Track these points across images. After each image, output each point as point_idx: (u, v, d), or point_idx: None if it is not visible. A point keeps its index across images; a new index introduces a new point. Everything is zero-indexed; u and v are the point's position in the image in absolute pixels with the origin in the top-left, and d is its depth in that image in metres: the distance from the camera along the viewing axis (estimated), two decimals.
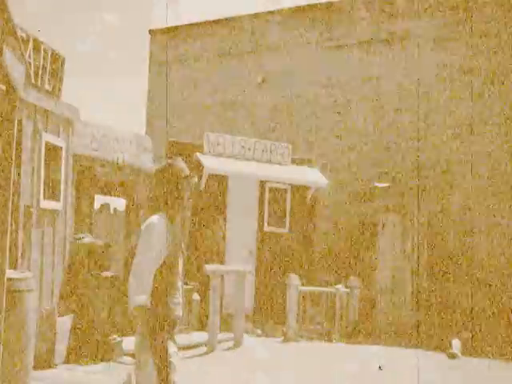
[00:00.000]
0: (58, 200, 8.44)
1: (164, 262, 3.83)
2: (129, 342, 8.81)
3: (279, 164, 14.23)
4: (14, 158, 4.96)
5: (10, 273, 5.83)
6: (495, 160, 14.63)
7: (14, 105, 4.97)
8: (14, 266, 7.06)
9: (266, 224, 13.79)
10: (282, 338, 11.78)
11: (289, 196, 14.16)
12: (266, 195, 13.86)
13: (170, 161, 4.04)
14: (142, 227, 3.90)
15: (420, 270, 13.92)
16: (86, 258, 8.72)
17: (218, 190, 13.21)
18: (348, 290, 12.59)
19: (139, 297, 3.67)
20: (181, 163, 4.01)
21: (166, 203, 3.96)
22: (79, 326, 8.21)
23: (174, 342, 3.86)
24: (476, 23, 15.04)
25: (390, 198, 13.87)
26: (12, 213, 5.20)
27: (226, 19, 18.84)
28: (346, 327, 12.46)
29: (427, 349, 11.79)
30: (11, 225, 5.37)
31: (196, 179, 4.29)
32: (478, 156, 14.80)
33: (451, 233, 14.89)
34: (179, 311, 3.90)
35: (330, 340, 12.07)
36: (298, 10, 17.71)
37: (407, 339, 12.79)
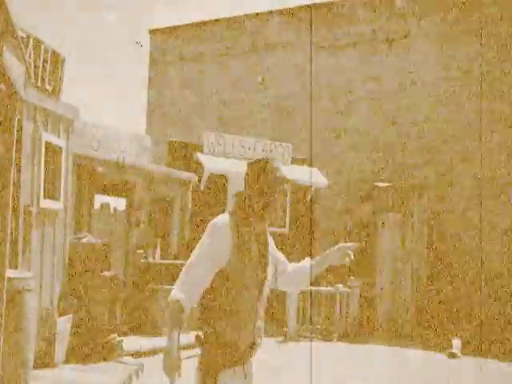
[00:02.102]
0: (58, 200, 8.44)
1: (224, 273, 3.18)
2: (129, 342, 8.82)
3: None
4: (14, 157, 4.95)
5: (10, 273, 5.83)
6: (496, 160, 14.63)
7: (14, 105, 4.97)
8: (14, 266, 7.06)
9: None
10: (282, 337, 11.78)
11: (289, 196, 14.16)
12: None
13: (267, 157, 3.44)
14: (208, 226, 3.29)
15: (420, 269, 13.92)
16: (86, 258, 8.72)
17: (218, 190, 13.21)
18: (348, 289, 12.58)
19: (172, 292, 3.15)
20: (279, 164, 3.40)
21: (251, 202, 3.29)
22: (79, 326, 8.21)
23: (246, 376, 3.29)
24: (476, 23, 15.03)
25: (389, 198, 13.87)
26: (12, 213, 5.20)
27: (226, 19, 18.84)
28: (346, 327, 12.46)
29: (427, 349, 11.79)
30: (11, 225, 5.37)
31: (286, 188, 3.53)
32: (478, 156, 14.79)
33: (451, 232, 14.88)
34: (249, 339, 3.24)
35: (330, 340, 12.07)
36: (298, 9, 17.71)
37: (407, 339, 12.79)
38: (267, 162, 3.35)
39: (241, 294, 3.20)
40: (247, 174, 3.35)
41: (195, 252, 3.21)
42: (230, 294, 3.18)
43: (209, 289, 3.21)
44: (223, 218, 3.25)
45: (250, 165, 3.37)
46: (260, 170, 3.33)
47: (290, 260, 3.72)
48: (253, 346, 3.29)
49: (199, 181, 12.67)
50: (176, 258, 11.90)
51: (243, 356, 3.26)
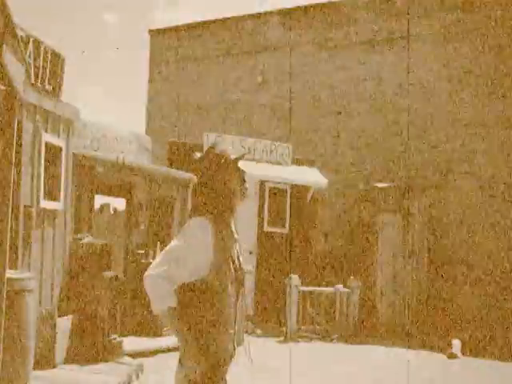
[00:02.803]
0: (58, 200, 8.44)
1: (206, 282, 2.92)
2: (129, 342, 8.82)
3: (279, 164, 14.23)
4: (13, 158, 4.95)
5: (10, 273, 5.83)
6: (495, 160, 14.63)
7: (13, 105, 4.97)
8: (14, 266, 7.06)
9: (265, 224, 13.79)
10: (282, 338, 11.78)
11: (289, 196, 14.16)
12: (266, 195, 13.85)
13: (211, 145, 3.14)
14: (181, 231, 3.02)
15: (420, 270, 13.92)
16: (86, 258, 8.72)
17: None
18: (348, 290, 12.58)
19: (156, 305, 2.87)
20: (224, 145, 3.10)
21: (212, 201, 2.99)
22: (79, 326, 8.21)
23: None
24: (476, 23, 15.04)
25: (389, 198, 13.86)
26: (12, 213, 5.20)
27: (226, 19, 18.84)
28: (346, 327, 12.45)
29: (427, 349, 11.79)
30: (11, 225, 5.37)
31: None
32: (478, 156, 14.79)
33: (451, 233, 14.89)
34: (229, 346, 3.02)
35: (329, 340, 12.07)
36: (298, 10, 17.72)
37: (407, 339, 12.79)
38: (211, 150, 3.07)
39: (223, 301, 2.93)
40: (199, 173, 3.06)
41: (169, 255, 2.89)
42: (210, 303, 2.92)
43: (188, 303, 2.94)
44: (200, 221, 2.95)
45: (196, 163, 3.13)
46: (207, 161, 3.04)
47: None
48: (232, 354, 3.08)
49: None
50: None
51: (225, 367, 3.03)
